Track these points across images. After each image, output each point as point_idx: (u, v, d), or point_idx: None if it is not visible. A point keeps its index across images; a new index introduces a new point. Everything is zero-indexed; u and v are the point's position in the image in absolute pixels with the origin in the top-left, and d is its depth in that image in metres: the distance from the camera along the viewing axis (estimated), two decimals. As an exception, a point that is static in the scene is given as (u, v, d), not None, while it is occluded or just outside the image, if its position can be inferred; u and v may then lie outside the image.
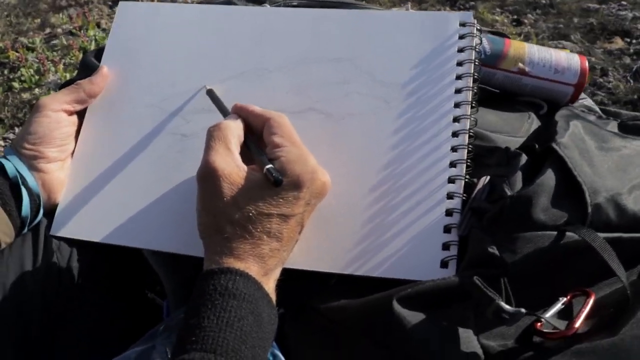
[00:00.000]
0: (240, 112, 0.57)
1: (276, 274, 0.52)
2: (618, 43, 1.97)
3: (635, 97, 1.59)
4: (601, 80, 1.68)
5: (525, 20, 2.20)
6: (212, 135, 0.53)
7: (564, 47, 1.89)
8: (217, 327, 0.44)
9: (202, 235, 0.52)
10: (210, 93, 0.64)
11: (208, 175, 0.50)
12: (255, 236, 0.49)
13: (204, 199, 0.52)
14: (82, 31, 2.36)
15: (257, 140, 0.55)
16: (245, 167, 0.52)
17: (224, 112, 0.60)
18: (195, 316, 0.45)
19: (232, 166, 0.51)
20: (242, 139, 0.55)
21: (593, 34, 2.03)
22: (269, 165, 0.50)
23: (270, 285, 0.50)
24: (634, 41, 1.95)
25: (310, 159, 0.52)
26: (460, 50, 0.62)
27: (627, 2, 2.25)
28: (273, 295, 0.50)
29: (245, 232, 0.49)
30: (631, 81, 1.68)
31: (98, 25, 2.46)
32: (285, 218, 0.50)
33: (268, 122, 0.54)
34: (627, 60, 1.80)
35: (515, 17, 2.25)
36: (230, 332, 0.44)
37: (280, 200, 0.50)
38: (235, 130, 0.54)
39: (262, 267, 0.49)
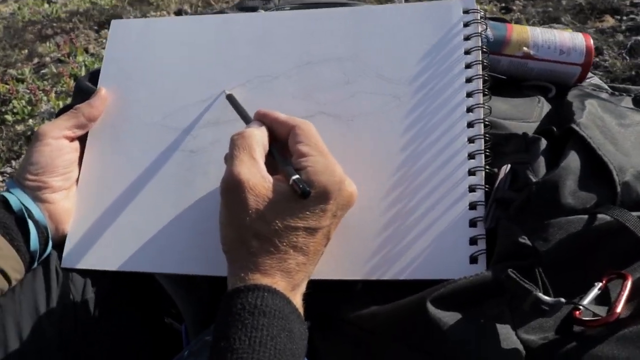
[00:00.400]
0: (264, 119, 0.54)
1: (302, 288, 0.50)
2: (609, 21, 1.96)
3: (633, 73, 1.58)
4: (597, 59, 1.67)
5: (514, 7, 2.20)
6: (235, 144, 0.51)
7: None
8: (250, 349, 0.42)
9: (225, 249, 0.50)
10: (231, 98, 0.62)
11: (233, 187, 0.48)
12: (282, 250, 0.47)
13: (229, 211, 0.49)
14: (70, 58, 2.36)
15: (282, 149, 0.53)
16: (270, 178, 0.50)
17: (246, 119, 0.58)
18: (225, 338, 0.43)
19: (257, 177, 0.49)
20: (267, 147, 0.53)
21: (583, 14, 2.02)
22: (296, 176, 0.48)
23: (297, 300, 0.48)
24: (624, 18, 1.95)
25: (337, 169, 0.50)
26: (467, 38, 0.61)
27: (613, -20, 2.25)
28: (301, 310, 0.48)
29: (271, 246, 0.47)
30: (627, 58, 1.67)
31: (86, 50, 2.45)
32: (312, 231, 0.49)
33: (293, 130, 0.52)
34: (620, 37, 1.80)
35: (503, 4, 2.25)
36: (264, 352, 0.42)
37: (307, 212, 0.48)
38: (260, 138, 0.52)
39: (289, 282, 0.47)
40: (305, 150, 0.51)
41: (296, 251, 0.48)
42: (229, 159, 0.50)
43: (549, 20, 2.01)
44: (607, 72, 1.62)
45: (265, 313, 0.44)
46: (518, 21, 2.03)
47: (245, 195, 0.48)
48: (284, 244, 0.47)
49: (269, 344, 0.42)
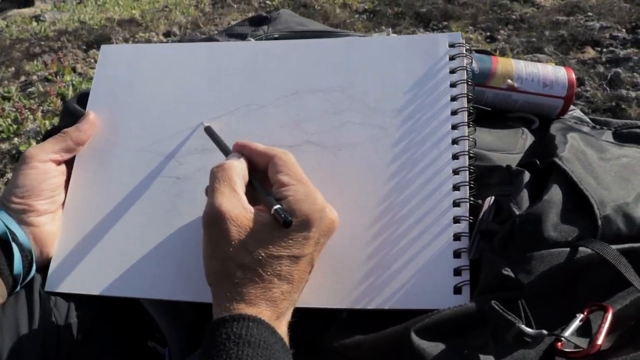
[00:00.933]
0: (243, 150, 0.55)
1: (288, 316, 0.50)
2: (590, 53, 2.00)
3: (614, 103, 1.61)
4: (579, 89, 1.70)
5: (499, 37, 2.24)
6: (216, 176, 0.51)
7: (539, 60, 1.91)
8: None
9: (210, 281, 0.50)
10: (209, 130, 0.62)
11: (215, 219, 0.49)
12: (266, 280, 0.48)
13: (212, 244, 0.49)
14: (58, 77, 2.35)
15: (262, 179, 0.54)
16: (252, 209, 0.50)
17: (225, 151, 0.59)
18: None
19: (239, 208, 0.49)
20: (246, 178, 0.53)
21: (565, 45, 2.06)
22: (277, 206, 0.48)
23: (283, 329, 0.48)
24: (604, 50, 1.99)
25: (318, 197, 0.51)
26: (452, 72, 0.62)
27: (593, 13, 2.31)
28: (286, 339, 0.48)
29: (255, 276, 0.47)
30: (607, 89, 1.71)
31: (74, 69, 2.45)
32: (296, 259, 0.49)
33: (272, 160, 0.53)
34: (601, 68, 1.83)
35: (488, 34, 2.29)
36: None
37: (290, 241, 0.48)
38: (239, 170, 0.52)
39: (274, 311, 0.47)
40: (285, 179, 0.51)
41: (280, 280, 0.48)
42: (210, 191, 0.51)
43: (532, 50, 2.05)
44: (588, 102, 1.65)
45: (250, 343, 0.44)
46: (502, 50, 2.07)
47: (227, 227, 0.48)
48: (268, 273, 0.48)
49: None
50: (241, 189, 0.51)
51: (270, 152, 0.53)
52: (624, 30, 2.13)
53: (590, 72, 1.81)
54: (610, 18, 2.24)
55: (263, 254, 0.48)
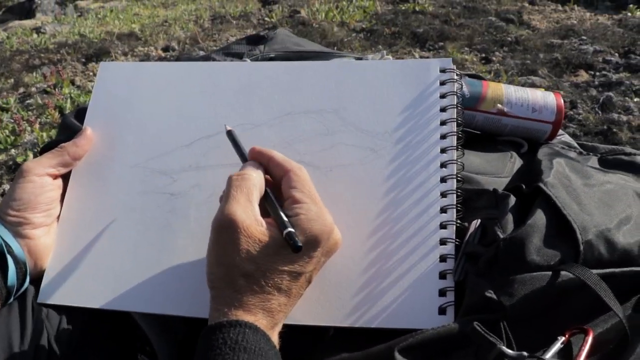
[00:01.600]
0: (260, 158, 0.56)
1: (280, 327, 0.52)
2: (583, 76, 2.03)
3: (605, 127, 1.63)
4: (571, 112, 1.73)
5: (494, 58, 2.26)
6: (234, 184, 0.52)
7: (532, 83, 1.94)
8: None
9: (210, 285, 0.51)
10: (230, 134, 0.62)
11: (226, 226, 0.50)
12: (266, 291, 0.49)
13: (218, 249, 0.51)
14: (56, 89, 2.36)
15: (275, 189, 0.55)
16: (264, 222, 0.51)
17: (243, 156, 0.59)
18: None
19: (251, 219, 0.50)
20: (262, 190, 0.54)
21: (559, 68, 2.09)
22: (289, 230, 0.49)
23: (275, 338, 0.50)
24: (597, 73, 2.02)
25: (328, 218, 0.52)
26: (443, 96, 0.64)
27: (587, 37, 2.34)
28: (278, 347, 0.50)
29: (257, 286, 0.49)
30: (599, 112, 1.73)
31: (72, 82, 2.46)
32: (297, 275, 0.51)
33: (288, 174, 0.54)
34: (594, 92, 1.86)
35: (483, 55, 2.31)
36: None
37: (295, 257, 0.50)
38: (257, 181, 0.53)
39: (270, 321, 0.49)
40: (299, 197, 0.52)
41: (280, 293, 0.50)
42: (226, 198, 0.52)
43: (526, 72, 2.08)
44: (580, 125, 1.67)
45: (246, 349, 0.45)
46: (497, 72, 2.10)
47: (238, 236, 0.49)
48: (270, 285, 0.49)
49: None
50: (256, 200, 0.52)
51: (287, 165, 0.55)
52: (616, 54, 2.16)
53: (583, 95, 1.83)
54: (604, 42, 2.27)
55: (268, 267, 0.49)
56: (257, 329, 0.47)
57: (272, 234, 0.50)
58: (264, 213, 0.52)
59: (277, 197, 0.54)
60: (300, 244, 0.49)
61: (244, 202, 0.51)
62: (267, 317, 0.49)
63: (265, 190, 0.54)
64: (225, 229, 0.50)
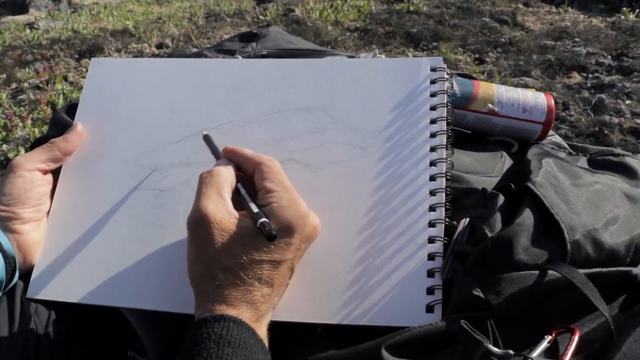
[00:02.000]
0: (232, 156, 0.57)
1: (267, 319, 0.52)
2: (576, 78, 2.04)
3: (597, 129, 1.64)
4: (563, 114, 1.74)
5: (487, 59, 2.27)
6: (204, 181, 0.53)
7: (525, 84, 1.95)
8: None
9: (192, 283, 0.52)
10: (207, 139, 0.62)
11: (199, 222, 0.50)
12: (247, 282, 0.49)
13: (195, 246, 0.51)
14: (49, 85, 2.36)
15: (249, 184, 0.55)
16: (236, 214, 0.52)
17: (217, 156, 0.60)
18: None
19: (223, 212, 0.51)
20: (234, 184, 0.55)
21: (552, 69, 2.10)
22: (263, 219, 0.50)
23: (262, 331, 0.50)
24: (589, 75, 2.03)
25: (301, 204, 0.53)
26: (433, 95, 0.64)
27: (580, 39, 2.35)
28: (266, 341, 0.50)
29: (237, 278, 0.49)
30: (591, 114, 1.74)
31: (65, 78, 2.45)
32: (277, 264, 0.50)
33: (259, 167, 0.55)
34: (586, 93, 1.87)
35: (477, 55, 2.32)
36: None
37: (272, 246, 0.50)
38: (227, 176, 0.54)
39: (254, 314, 0.49)
40: (270, 186, 0.53)
41: (261, 283, 0.50)
42: (197, 195, 0.52)
43: (519, 73, 2.09)
44: (572, 126, 1.68)
45: (230, 343, 0.45)
46: (490, 73, 2.10)
47: (211, 230, 0.50)
48: (250, 276, 0.49)
49: None
50: (227, 194, 0.53)
51: (258, 159, 0.55)
52: (609, 57, 2.18)
53: (575, 97, 1.84)
54: (597, 44, 2.29)
55: (245, 258, 0.49)
56: (241, 322, 0.47)
57: (245, 224, 0.51)
58: (239, 208, 0.53)
59: (251, 191, 0.54)
60: (274, 232, 0.49)
61: (214, 197, 0.51)
62: (251, 310, 0.49)
63: (237, 184, 0.55)
64: (199, 225, 0.50)
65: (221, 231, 0.50)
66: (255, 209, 0.51)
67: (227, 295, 0.49)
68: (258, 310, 0.50)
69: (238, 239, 0.50)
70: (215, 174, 0.53)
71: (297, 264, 0.53)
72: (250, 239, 0.50)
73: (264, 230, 0.49)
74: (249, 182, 0.56)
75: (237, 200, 0.54)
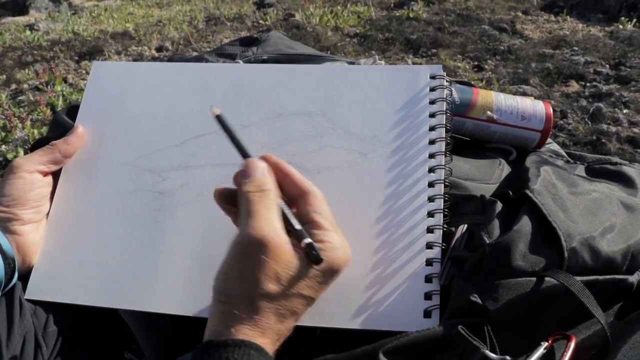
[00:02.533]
0: (276, 170, 0.53)
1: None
2: (574, 86, 2.05)
3: (594, 137, 1.64)
4: (561, 122, 1.74)
5: (486, 66, 2.28)
6: (254, 199, 0.50)
7: (524, 92, 1.95)
8: None
9: (224, 300, 0.49)
10: (220, 118, 0.57)
11: (253, 244, 0.47)
12: (283, 314, 0.48)
13: (242, 266, 0.48)
14: (49, 86, 2.36)
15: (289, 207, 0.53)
16: (288, 240, 0.48)
17: (242, 152, 0.55)
18: None
19: (281, 239, 0.48)
20: (278, 203, 0.51)
21: (550, 77, 2.11)
22: (310, 241, 0.48)
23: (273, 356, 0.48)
24: (588, 84, 2.04)
25: (348, 248, 0.51)
26: (432, 102, 0.64)
27: (579, 48, 2.36)
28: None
29: (275, 308, 0.47)
30: (589, 123, 1.75)
31: (65, 80, 2.45)
32: (311, 300, 0.49)
33: (308, 197, 0.52)
34: (584, 102, 1.88)
35: (476, 63, 2.33)
36: None
37: (316, 283, 0.49)
38: (276, 196, 0.51)
39: (276, 344, 0.48)
40: (323, 223, 0.51)
41: (292, 316, 0.49)
42: (250, 213, 0.49)
43: (518, 81, 2.10)
44: (570, 135, 1.69)
45: None
46: (489, 80, 2.11)
47: (267, 256, 0.47)
48: (287, 308, 0.48)
49: None
50: (279, 217, 0.50)
51: (307, 187, 0.53)
52: (607, 66, 2.19)
53: (574, 106, 1.85)
54: (595, 53, 2.30)
55: (291, 291, 0.48)
56: (262, 350, 0.45)
57: (297, 254, 0.48)
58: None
59: (297, 217, 0.51)
60: (321, 257, 0.47)
61: (270, 219, 0.49)
62: (276, 341, 0.48)
63: (282, 205, 0.51)
64: (252, 247, 0.47)
65: (277, 258, 0.47)
66: (303, 232, 0.49)
67: (259, 323, 0.47)
68: (279, 340, 0.48)
69: (291, 270, 0.47)
70: (268, 191, 0.50)
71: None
72: (300, 269, 0.48)
73: (310, 254, 0.47)
74: (289, 204, 0.53)
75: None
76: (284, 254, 0.47)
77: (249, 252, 0.48)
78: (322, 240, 0.49)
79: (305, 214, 0.51)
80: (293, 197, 0.53)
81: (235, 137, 0.55)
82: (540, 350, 0.50)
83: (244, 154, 0.54)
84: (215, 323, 0.48)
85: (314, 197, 0.52)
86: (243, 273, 0.48)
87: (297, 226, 0.49)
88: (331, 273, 0.49)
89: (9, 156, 1.85)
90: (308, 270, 0.48)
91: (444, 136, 0.62)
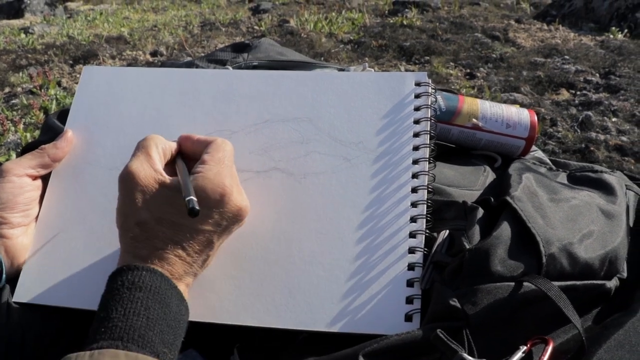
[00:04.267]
0: (185, 141, 0.60)
1: (186, 282, 0.54)
2: (564, 94, 2.07)
3: (583, 145, 1.66)
4: (551, 130, 1.76)
5: (478, 74, 2.30)
6: (137, 144, 0.56)
7: (515, 99, 1.97)
8: (124, 318, 0.46)
9: (120, 234, 0.55)
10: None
11: (124, 178, 0.53)
12: (160, 239, 0.52)
13: (119, 200, 0.54)
14: (42, 90, 2.36)
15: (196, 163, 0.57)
16: (162, 173, 0.54)
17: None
18: (104, 310, 0.48)
19: (147, 170, 0.54)
20: (167, 151, 0.57)
21: (541, 86, 2.13)
22: (189, 197, 0.51)
23: (181, 288, 0.52)
24: (578, 93, 2.06)
25: (226, 181, 0.54)
26: (417, 109, 0.65)
27: (569, 57, 2.38)
28: (185, 295, 0.52)
29: (150, 234, 0.52)
30: (578, 131, 1.76)
31: (59, 84, 2.46)
32: (192, 231, 0.53)
33: (210, 144, 0.57)
34: (574, 110, 1.89)
35: (468, 70, 2.34)
36: (136, 320, 0.46)
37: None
38: (160, 141, 0.57)
39: (167, 270, 0.51)
40: (206, 158, 0.55)
41: (174, 244, 0.52)
42: (130, 157, 0.55)
43: (509, 89, 2.11)
44: (559, 142, 1.70)
45: (142, 288, 0.48)
46: (480, 88, 2.13)
47: (133, 186, 0.53)
48: (162, 233, 0.52)
49: (142, 314, 0.47)
50: (156, 154, 0.56)
51: (210, 139, 0.58)
52: (597, 74, 2.21)
53: (563, 114, 1.87)
54: (586, 62, 2.32)
55: (160, 214, 0.52)
56: (154, 271, 0.50)
57: (169, 184, 0.53)
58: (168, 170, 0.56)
59: (188, 167, 0.56)
60: (197, 209, 0.50)
61: (142, 157, 0.54)
62: (164, 266, 0.51)
63: (177, 156, 0.58)
64: (123, 181, 0.54)
65: (143, 187, 0.53)
66: (187, 185, 0.52)
67: (140, 248, 0.52)
68: (172, 267, 0.52)
69: (157, 196, 0.53)
70: (148, 138, 0.56)
71: (218, 241, 0.55)
72: (169, 198, 0.53)
73: (187, 205, 0.50)
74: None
75: (173, 169, 0.57)
76: (151, 183, 0.53)
77: (122, 185, 0.54)
78: (197, 172, 0.54)
79: (199, 157, 0.57)
80: (199, 153, 0.57)
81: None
82: (519, 354, 0.51)
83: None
84: (119, 256, 0.54)
85: (213, 143, 0.57)
86: (120, 205, 0.54)
87: (183, 179, 0.54)
88: (205, 203, 0.52)
89: (1, 159, 1.85)
90: (178, 199, 0.52)
91: (428, 142, 0.63)
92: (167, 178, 0.54)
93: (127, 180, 0.53)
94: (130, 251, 0.52)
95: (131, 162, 0.54)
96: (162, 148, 0.57)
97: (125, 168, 0.54)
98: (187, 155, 0.59)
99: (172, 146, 0.58)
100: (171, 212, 0.52)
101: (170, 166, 0.58)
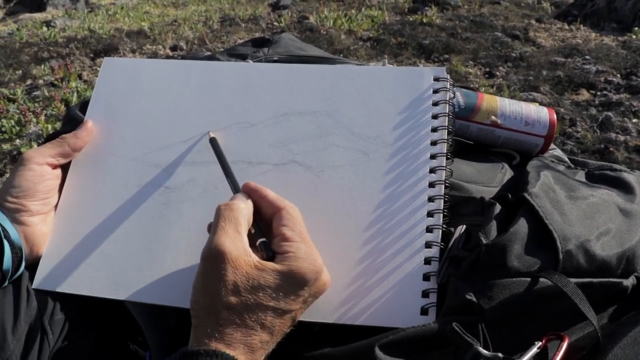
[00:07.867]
0: (253, 194, 0.56)
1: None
2: (584, 95, 2.05)
3: (602, 146, 1.64)
4: (570, 130, 1.75)
5: (497, 73, 2.28)
6: (222, 214, 0.52)
7: (534, 99, 1.95)
8: None
9: (193, 313, 0.51)
10: (213, 142, 0.64)
11: (214, 256, 0.50)
12: (249, 325, 0.49)
13: (205, 279, 0.50)
14: (63, 83, 2.39)
15: (266, 227, 0.55)
16: (251, 253, 0.51)
17: (224, 167, 0.62)
18: None
19: (240, 250, 0.50)
20: (250, 222, 0.54)
21: (561, 85, 2.11)
22: (262, 240, 0.49)
23: None
24: (598, 93, 2.03)
25: (318, 259, 0.52)
26: (435, 104, 0.65)
27: (590, 57, 2.36)
28: None
29: (239, 319, 0.49)
30: (598, 131, 1.75)
31: (80, 77, 2.48)
32: (282, 313, 0.50)
33: (280, 212, 0.54)
34: (593, 111, 1.88)
35: (487, 69, 2.33)
36: None
37: (281, 294, 0.50)
38: (245, 212, 0.53)
39: (249, 358, 0.49)
40: (289, 234, 0.52)
41: (263, 329, 0.49)
42: (214, 228, 0.52)
43: (529, 88, 2.10)
44: (578, 142, 1.69)
45: None
46: (499, 87, 2.11)
47: (224, 266, 0.49)
48: (252, 319, 0.49)
49: None
50: (244, 231, 0.52)
51: (280, 204, 0.55)
52: (618, 75, 2.18)
53: (583, 114, 1.85)
54: (607, 63, 2.29)
55: (252, 300, 0.49)
56: (232, 359, 0.47)
57: (260, 266, 0.50)
58: (253, 249, 0.52)
59: (266, 233, 0.54)
60: (272, 252, 0.49)
61: (232, 232, 0.51)
62: (247, 353, 0.48)
63: (254, 221, 0.55)
64: (212, 259, 0.50)
65: (234, 269, 0.49)
66: (260, 237, 0.51)
67: (225, 334, 0.48)
68: (254, 354, 0.49)
69: (249, 280, 0.49)
70: (235, 209, 0.53)
71: (299, 316, 0.53)
72: (262, 281, 0.49)
73: (261, 251, 0.49)
74: (267, 225, 0.55)
75: (253, 241, 0.53)
76: (242, 265, 0.49)
77: (209, 263, 0.50)
78: (286, 251, 0.51)
79: (275, 228, 0.54)
80: (270, 216, 0.55)
81: (228, 170, 0.62)
82: (534, 349, 0.51)
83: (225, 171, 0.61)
84: (190, 339, 0.50)
85: (285, 212, 0.54)
86: (205, 284, 0.50)
87: (253, 231, 0.52)
88: (296, 283, 0.50)
89: (23, 150, 1.88)
90: (269, 280, 0.49)
91: (445, 138, 0.63)
92: (257, 260, 0.50)
93: (217, 259, 0.49)
94: (212, 334, 0.48)
95: (220, 238, 0.50)
96: (248, 220, 0.54)
97: (214, 245, 0.50)
98: (255, 209, 0.56)
99: (252, 214, 0.55)
100: (262, 296, 0.49)
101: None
